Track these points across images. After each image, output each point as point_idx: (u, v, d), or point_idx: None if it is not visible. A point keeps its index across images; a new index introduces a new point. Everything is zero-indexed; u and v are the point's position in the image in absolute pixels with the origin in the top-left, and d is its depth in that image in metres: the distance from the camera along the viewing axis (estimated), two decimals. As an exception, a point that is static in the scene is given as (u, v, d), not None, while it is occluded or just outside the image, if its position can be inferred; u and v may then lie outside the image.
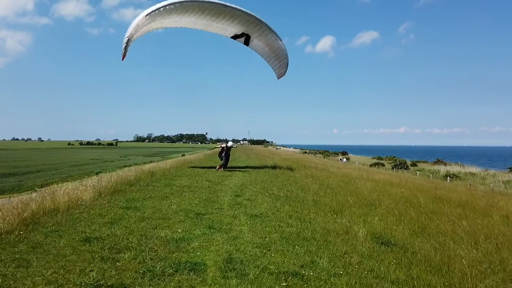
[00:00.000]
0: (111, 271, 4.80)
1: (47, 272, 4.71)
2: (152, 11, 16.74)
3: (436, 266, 5.41)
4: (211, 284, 4.52)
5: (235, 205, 9.89)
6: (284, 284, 4.60)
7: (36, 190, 14.27)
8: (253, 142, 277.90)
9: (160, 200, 10.30)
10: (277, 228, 7.36)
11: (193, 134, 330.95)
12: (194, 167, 23.78)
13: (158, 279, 4.60)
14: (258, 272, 4.90)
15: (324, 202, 10.61)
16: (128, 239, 6.22)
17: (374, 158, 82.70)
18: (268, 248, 5.97)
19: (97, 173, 26.97)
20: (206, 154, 49.76)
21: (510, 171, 39.74)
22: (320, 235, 6.87)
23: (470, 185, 22.90)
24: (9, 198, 15.43)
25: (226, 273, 4.84)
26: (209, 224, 7.48)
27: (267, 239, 6.55)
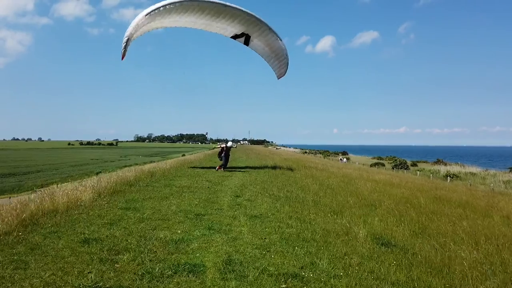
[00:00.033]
0: (110, 272, 4.78)
1: (45, 274, 4.68)
2: (152, 11, 16.71)
3: (437, 267, 5.38)
4: (210, 286, 4.49)
5: (235, 205, 9.86)
6: (283, 286, 4.57)
7: (36, 191, 14.25)
8: (253, 142, 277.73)
9: (159, 200, 10.27)
10: (277, 229, 7.33)
11: (193, 134, 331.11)
12: (194, 167, 23.76)
13: (157, 281, 4.57)
14: (257, 273, 4.87)
15: (324, 203, 10.58)
16: (127, 240, 6.20)
17: (374, 158, 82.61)
18: (268, 249, 5.94)
19: (97, 173, 26.96)
20: (206, 154, 49.71)
21: (510, 171, 39.68)
22: (320, 236, 6.84)
23: (470, 185, 22.86)
24: (9, 198, 15.42)
25: (225, 275, 4.81)
26: (208, 225, 7.45)
27: (266, 240, 6.52)
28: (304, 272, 5.01)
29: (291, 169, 22.94)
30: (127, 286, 4.41)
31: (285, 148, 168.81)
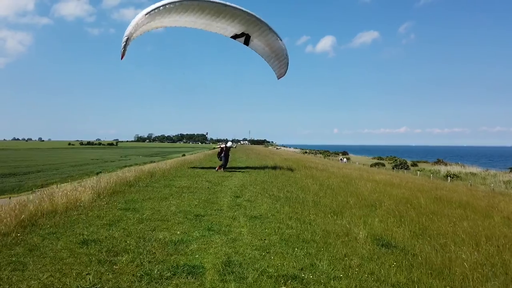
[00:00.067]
0: (108, 274, 4.75)
1: (43, 275, 4.66)
2: (152, 10, 16.67)
3: (437, 268, 5.35)
4: (209, 288, 4.46)
5: (235, 206, 9.83)
6: (283, 287, 4.54)
7: (35, 191, 14.22)
8: (253, 142, 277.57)
9: (159, 201, 10.24)
10: (276, 230, 7.30)
11: (194, 134, 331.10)
12: (194, 167, 23.72)
13: (156, 283, 4.55)
14: (257, 275, 4.84)
15: (324, 203, 10.54)
16: (126, 242, 6.16)
17: (374, 158, 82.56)
18: (268, 251, 5.91)
19: (97, 173, 26.96)
20: (206, 154, 49.69)
21: (510, 171, 39.60)
22: (320, 237, 6.80)
23: (470, 185, 22.81)
24: (9, 198, 15.41)
25: (225, 277, 4.78)
26: (208, 226, 7.42)
27: (266, 241, 6.49)
28: (304, 273, 4.97)
29: (291, 169, 22.90)
30: (126, 288, 4.38)
31: (285, 148, 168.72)
